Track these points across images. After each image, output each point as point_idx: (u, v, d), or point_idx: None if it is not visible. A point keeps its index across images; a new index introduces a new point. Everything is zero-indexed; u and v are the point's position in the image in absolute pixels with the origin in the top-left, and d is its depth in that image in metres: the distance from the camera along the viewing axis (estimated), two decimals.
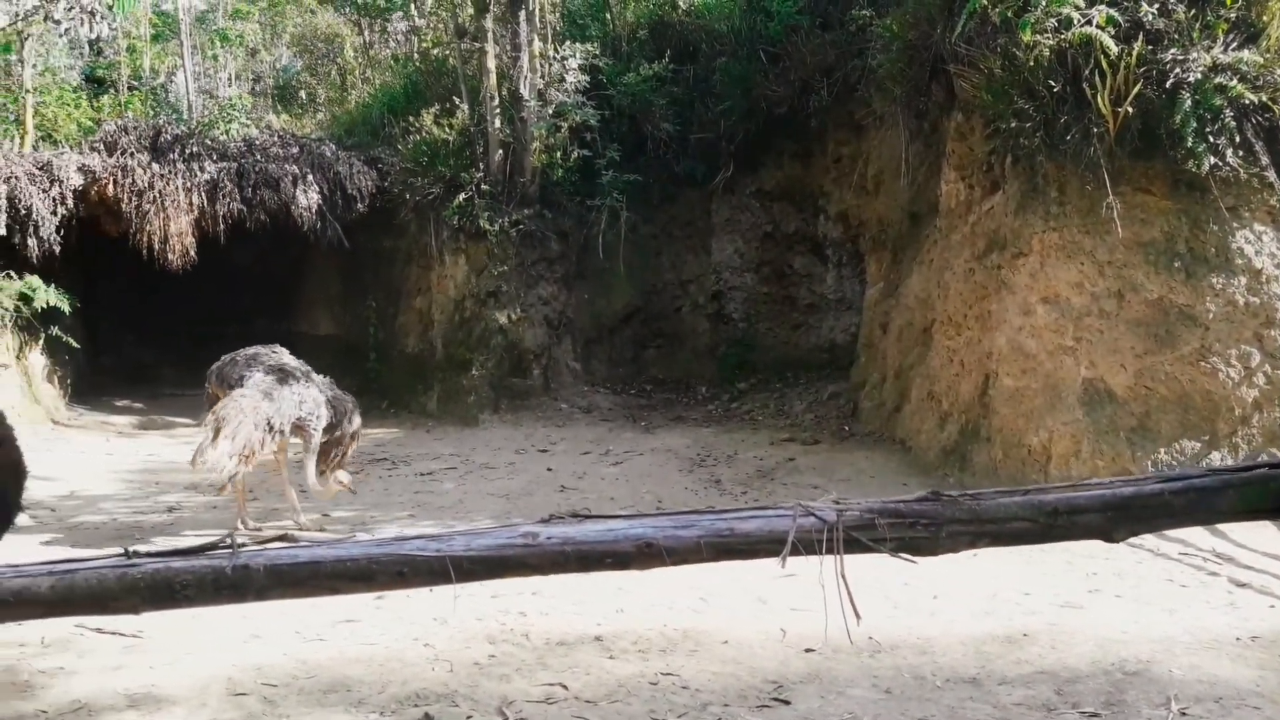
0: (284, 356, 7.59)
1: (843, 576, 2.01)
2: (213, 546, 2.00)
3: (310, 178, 13.50)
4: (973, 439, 8.36)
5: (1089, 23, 7.49)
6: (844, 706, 4.19)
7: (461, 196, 12.96)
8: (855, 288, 13.08)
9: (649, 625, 5.27)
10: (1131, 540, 6.52)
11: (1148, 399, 7.30)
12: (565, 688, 4.50)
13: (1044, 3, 7.57)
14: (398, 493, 8.88)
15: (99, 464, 10.28)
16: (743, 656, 4.82)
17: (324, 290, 16.09)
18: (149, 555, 2.00)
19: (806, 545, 1.97)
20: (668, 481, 8.95)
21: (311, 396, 7.22)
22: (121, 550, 2.22)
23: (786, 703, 4.26)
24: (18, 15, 14.99)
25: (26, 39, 15.87)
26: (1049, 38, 7.70)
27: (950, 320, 9.12)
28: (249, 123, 17.15)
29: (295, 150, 13.93)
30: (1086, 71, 7.54)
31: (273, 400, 6.99)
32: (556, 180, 13.27)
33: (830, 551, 1.97)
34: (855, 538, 1.98)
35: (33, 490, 8.95)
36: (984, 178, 8.90)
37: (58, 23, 14.22)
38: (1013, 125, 7.97)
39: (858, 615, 2.28)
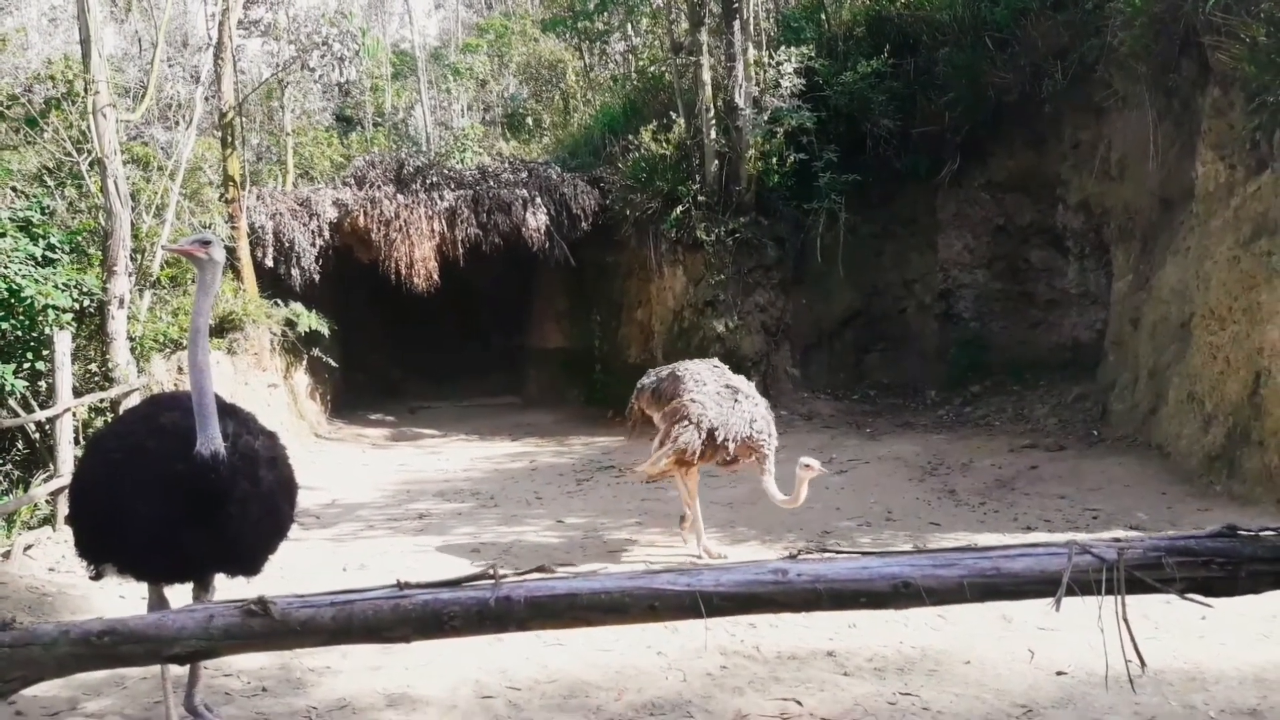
0: (728, 373, 7.23)
1: (1124, 620, 1.83)
2: (478, 577, 2.09)
3: (538, 200, 14.11)
4: (1242, 443, 7.58)
5: None
6: None
7: (679, 209, 13.14)
8: (1100, 281, 12.20)
9: (883, 642, 5.11)
10: None
11: None
12: (799, 704, 4.42)
13: None
14: (625, 500, 9.07)
15: (356, 474, 11.12)
16: (986, 678, 4.57)
17: (551, 306, 16.73)
18: (419, 587, 2.13)
19: (1083, 586, 1.81)
20: (897, 491, 8.66)
21: (761, 415, 6.85)
22: (395, 582, 2.38)
23: None
24: (278, 65, 16.54)
25: (286, 86, 17.52)
26: None
27: (1213, 314, 8.33)
28: (481, 150, 18.17)
29: (524, 175, 14.61)
30: None
31: (722, 414, 6.71)
32: (772, 186, 13.20)
33: (1110, 592, 1.79)
34: (1138, 578, 1.80)
35: (299, 499, 9.81)
36: (1248, 156, 8.08)
37: (313, 70, 15.56)
38: None
39: (1142, 663, 2.08)
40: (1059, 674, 4.54)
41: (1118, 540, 1.82)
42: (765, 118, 13.16)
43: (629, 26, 17.39)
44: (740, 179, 13.28)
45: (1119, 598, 1.79)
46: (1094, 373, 11.27)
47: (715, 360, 7.43)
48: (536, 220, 13.89)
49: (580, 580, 2.01)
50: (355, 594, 2.23)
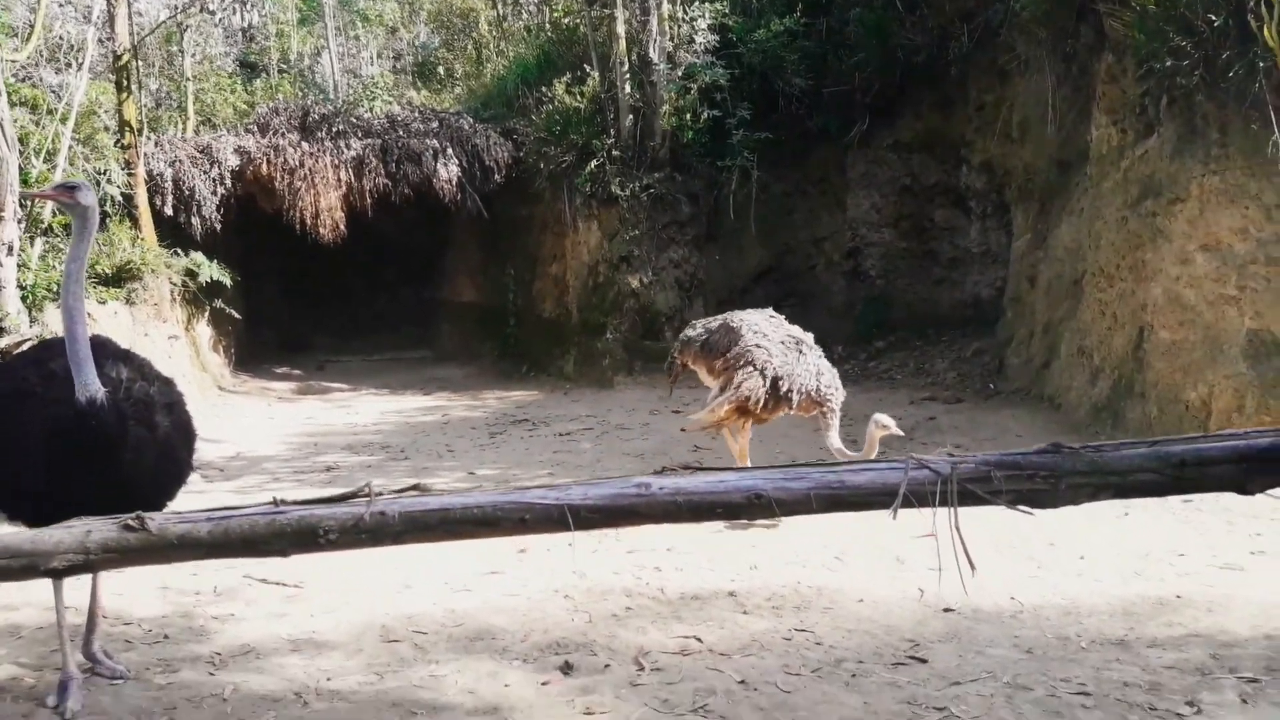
0: (785, 323, 6.85)
1: (957, 529, 1.98)
2: (352, 495, 2.14)
3: (450, 151, 13.92)
4: (1126, 395, 7.98)
5: None
6: (982, 665, 4.12)
7: (593, 163, 13.11)
8: (1001, 240, 12.59)
9: (783, 582, 5.29)
10: None
11: None
12: (700, 640, 4.57)
13: None
14: (538, 452, 9.13)
15: (262, 427, 10.95)
16: (878, 615, 4.78)
17: (465, 259, 16.60)
18: (295, 503, 2.17)
19: (919, 498, 1.95)
20: (803, 441, 8.88)
21: (827, 368, 6.57)
22: (271, 500, 2.40)
23: (923, 661, 4.22)
24: (177, 8, 15.89)
25: (186, 30, 16.83)
26: None
27: (1102, 271, 8.70)
28: (391, 100, 17.77)
29: (435, 125, 14.38)
30: (1251, 3, 7.00)
31: (788, 365, 6.44)
32: (686, 143, 13.25)
33: (944, 504, 1.93)
34: (970, 490, 1.94)
35: (202, 451, 9.59)
36: (1137, 121, 8.41)
37: (213, 13, 14.98)
38: (1168, 64, 7.50)
39: (972, 566, 2.26)
40: (946, 610, 4.77)
41: (951, 455, 1.96)
42: (679, 73, 13.18)
43: None
44: (655, 134, 13.29)
45: (953, 509, 1.93)
46: (993, 329, 11.68)
47: (770, 310, 7.06)
48: (448, 171, 13.71)
49: (453, 496, 2.09)
50: (232, 510, 2.28)
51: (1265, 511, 6.03)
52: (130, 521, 2.43)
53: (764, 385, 6.38)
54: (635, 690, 4.12)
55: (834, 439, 6.54)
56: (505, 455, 9.06)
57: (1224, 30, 7.22)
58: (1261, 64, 6.99)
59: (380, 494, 2.09)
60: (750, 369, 6.42)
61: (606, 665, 4.37)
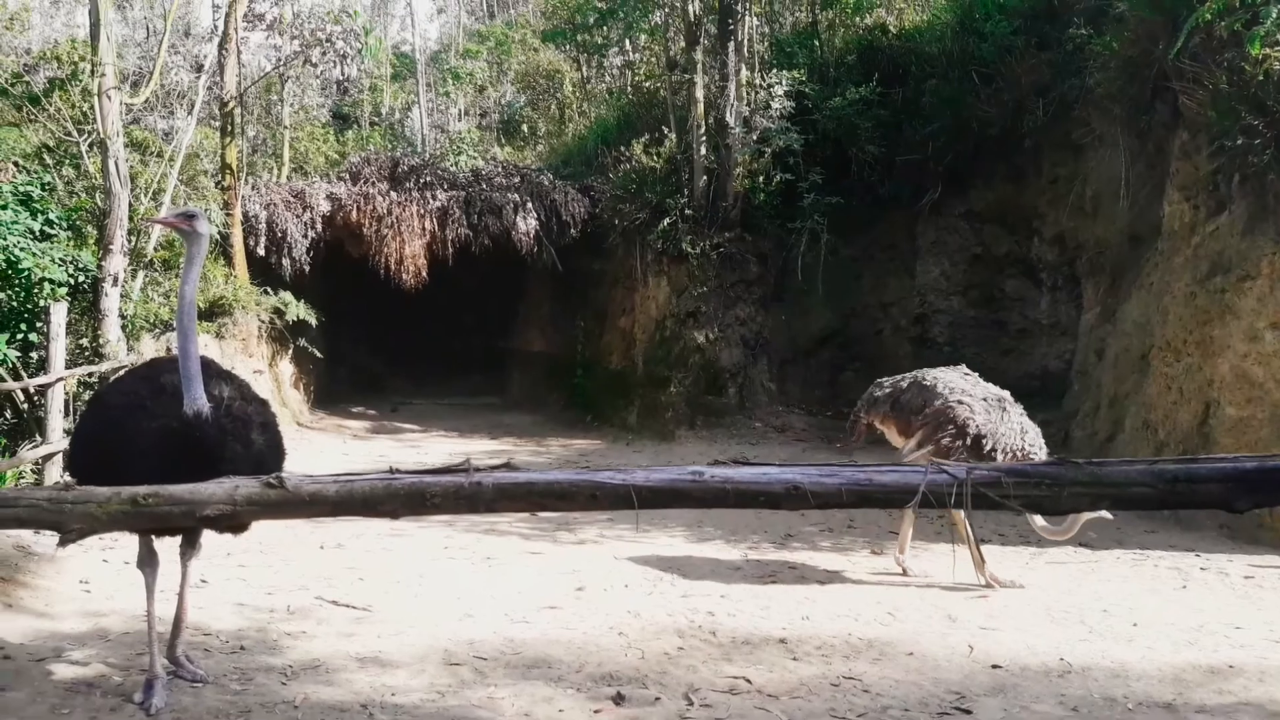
0: (982, 382, 6.69)
1: (969, 526, 2.18)
2: (455, 469, 2.42)
3: (529, 205, 14.42)
4: None
5: None
6: None
7: (666, 221, 13.46)
8: (1070, 313, 12.57)
9: (833, 633, 5.39)
10: None
11: None
12: (749, 682, 4.69)
13: (1275, 14, 7.17)
14: None
15: (337, 462, 11.34)
16: (926, 667, 4.85)
17: (537, 310, 17.03)
18: (407, 472, 2.48)
19: (938, 498, 2.13)
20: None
21: (1032, 426, 6.37)
22: (388, 468, 2.72)
23: (968, 712, 4.28)
24: (281, 59, 16.81)
25: (286, 81, 17.78)
26: None
27: (1169, 346, 8.69)
28: (476, 155, 18.47)
29: (516, 180, 14.92)
30: None
31: (991, 423, 6.26)
32: (758, 204, 13.55)
33: (959, 505, 2.11)
34: (983, 493, 2.12)
35: None
36: (1209, 198, 8.46)
37: (314, 65, 15.84)
38: (1240, 142, 7.58)
39: (983, 559, 2.39)
40: (994, 667, 4.82)
41: (968, 462, 2.14)
42: (754, 137, 13.52)
43: (627, 42, 17.76)
44: (727, 195, 13.61)
45: (967, 509, 2.10)
46: (1060, 401, 11.61)
47: (964, 368, 6.87)
48: (526, 224, 14.19)
49: (536, 473, 2.34)
50: (355, 475, 2.64)
51: None
52: (271, 480, 2.89)
53: (965, 443, 6.18)
54: None
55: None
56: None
57: None
58: None
59: (479, 468, 2.37)
60: (951, 427, 6.25)
61: (657, 699, 4.51)
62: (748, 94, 13.83)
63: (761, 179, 13.44)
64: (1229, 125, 7.66)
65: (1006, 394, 6.54)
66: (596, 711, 4.38)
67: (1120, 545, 7.21)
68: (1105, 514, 5.81)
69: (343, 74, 18.67)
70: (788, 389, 13.87)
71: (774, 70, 13.97)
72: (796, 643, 5.23)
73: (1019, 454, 6.23)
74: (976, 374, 6.77)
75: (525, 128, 21.18)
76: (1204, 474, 2.07)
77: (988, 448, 6.16)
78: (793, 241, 13.49)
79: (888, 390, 6.85)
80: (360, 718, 4.32)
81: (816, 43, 15.18)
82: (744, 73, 13.87)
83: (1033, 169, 12.76)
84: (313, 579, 6.47)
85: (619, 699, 4.51)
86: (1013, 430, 6.25)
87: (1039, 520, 6.15)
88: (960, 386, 6.50)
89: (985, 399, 6.39)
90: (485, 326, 18.11)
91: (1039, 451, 6.28)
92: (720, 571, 6.72)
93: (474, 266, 15.17)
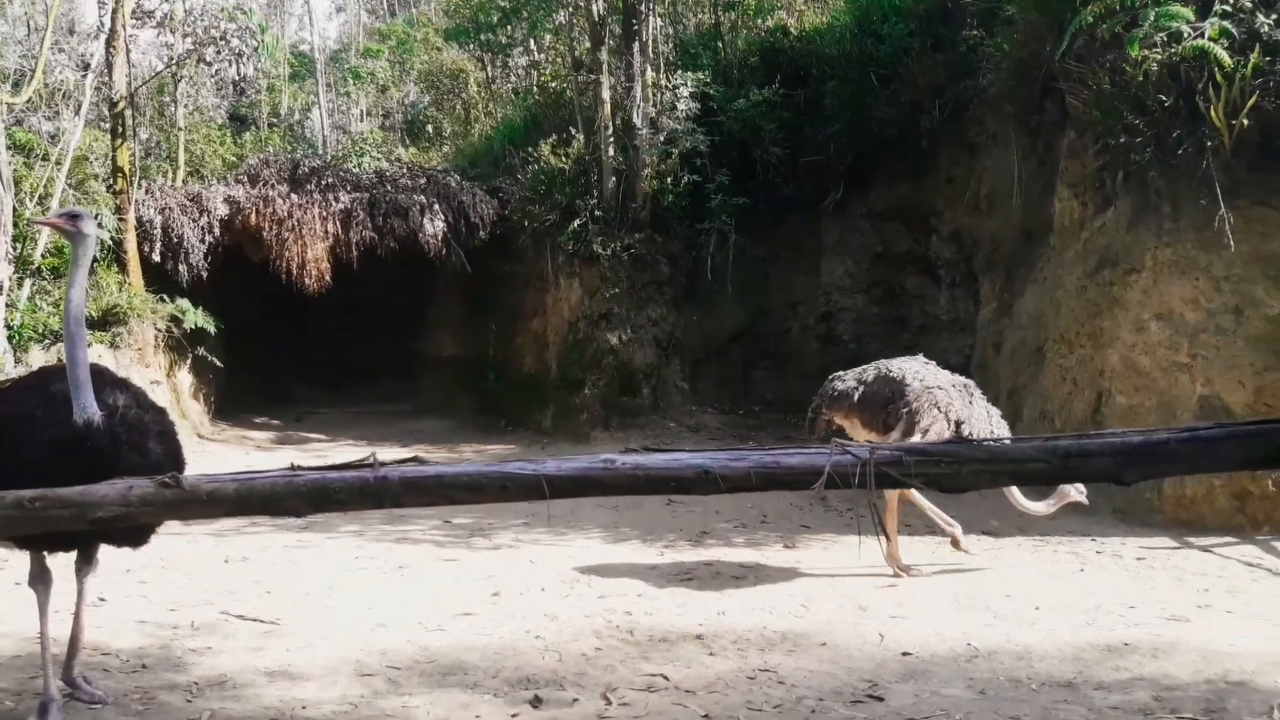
0: (943, 370, 6.73)
1: (874, 506, 2.26)
2: (360, 465, 2.37)
3: (436, 207, 14.23)
4: None
5: (1201, 35, 7.41)
6: (937, 704, 4.28)
7: (576, 223, 13.44)
8: (969, 308, 12.95)
9: (749, 627, 5.45)
10: (1249, 558, 6.40)
11: (1267, 416, 7.09)
12: (666, 678, 4.71)
13: (1153, 17, 7.51)
14: (514, 503, 9.20)
15: None
16: (839, 657, 4.94)
17: (447, 314, 16.82)
18: (310, 469, 2.41)
19: (842, 478, 2.18)
20: (774, 498, 9.02)
21: (996, 413, 6.43)
22: (289, 465, 2.63)
23: (880, 699, 4.38)
24: (172, 59, 16.25)
25: (180, 80, 17.18)
26: (1158, 52, 7.64)
27: (1063, 338, 9.03)
28: (379, 156, 18.15)
29: (422, 181, 14.71)
30: (1199, 85, 7.44)
31: (966, 409, 6.28)
32: (667, 205, 13.62)
33: (863, 485, 2.17)
34: (886, 472, 2.18)
35: None
36: (1096, 194, 8.82)
37: (209, 64, 15.35)
38: (1123, 141, 7.91)
39: (889, 537, 2.48)
40: (905, 654, 4.94)
41: (870, 443, 2.20)
42: (661, 138, 13.60)
43: (532, 41, 17.68)
44: (636, 196, 13.66)
45: (870, 489, 2.16)
46: None
47: (922, 357, 6.92)
48: (434, 226, 14.01)
49: (446, 465, 2.31)
50: (255, 473, 2.53)
51: (1212, 570, 6.30)
52: (166, 479, 2.81)
53: (949, 428, 6.17)
54: None
55: (1015, 490, 6.34)
56: (479, 506, 9.14)
57: (1174, 110, 7.65)
58: (1209, 142, 7.40)
59: (384, 463, 2.33)
60: (935, 411, 6.24)
61: (575, 700, 4.50)
62: (654, 95, 13.91)
63: (670, 180, 13.52)
64: (1112, 124, 7.99)
65: (971, 381, 6.65)
66: (514, 716, 4.35)
67: (1022, 532, 7.45)
68: (1082, 498, 6.23)
69: (239, 73, 18.12)
70: (701, 388, 13.98)
71: (679, 71, 14.07)
72: (713, 638, 5.28)
73: (989, 438, 6.26)
74: (934, 362, 6.84)
75: (430, 128, 20.89)
76: (1094, 449, 2.16)
77: (965, 432, 6.15)
78: (702, 242, 13.60)
79: (851, 384, 6.80)
80: None
81: (720, 44, 15.34)
82: (649, 73, 13.94)
83: (930, 168, 13.11)
84: (218, 594, 6.27)
85: (536, 702, 4.48)
86: (981, 415, 6.33)
87: (1023, 502, 6.34)
88: (928, 374, 6.56)
89: (954, 385, 6.46)
90: (395, 331, 17.79)
91: (1005, 433, 6.33)
92: (637, 571, 6.73)
93: (381, 270, 14.90)
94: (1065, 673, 4.62)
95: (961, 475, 2.16)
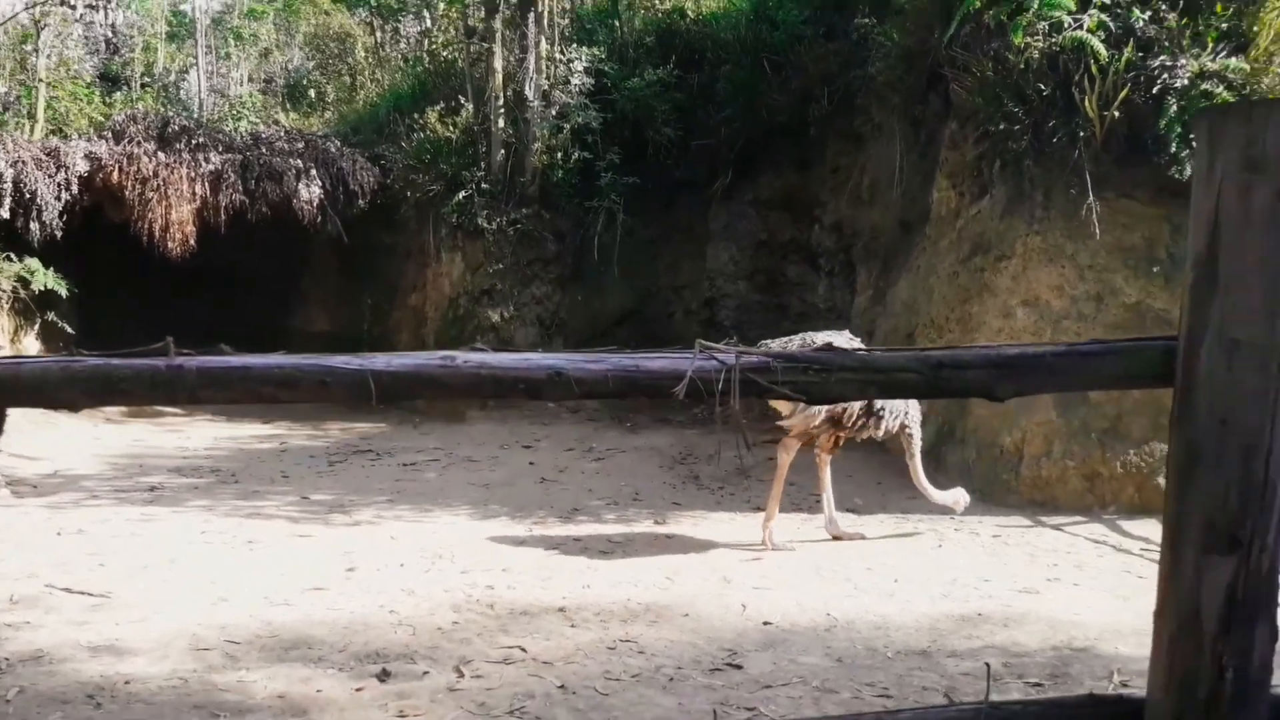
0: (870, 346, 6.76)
1: (739, 413, 2.13)
2: (152, 349, 2.12)
3: (313, 172, 13.64)
4: (948, 439, 8.39)
5: (1080, 27, 7.59)
6: (794, 671, 4.24)
7: (461, 194, 13.07)
8: (845, 297, 13.08)
9: (613, 599, 5.33)
10: (1095, 535, 6.57)
11: (1120, 401, 7.31)
12: (524, 650, 4.55)
13: (1036, 4, 7.65)
14: (378, 480, 8.91)
15: (85, 447, 10.42)
16: (701, 627, 4.87)
17: (321, 287, 16.19)
18: (91, 354, 2.14)
19: (706, 384, 2.05)
20: (647, 477, 8.98)
21: (914, 400, 6.41)
22: (67, 352, 2.32)
23: (739, 667, 4.31)
24: (35, 3, 15.18)
25: (43, 28, 16.07)
26: (1040, 41, 7.80)
27: (933, 323, 9.17)
28: (258, 121, 17.37)
29: (300, 145, 14.09)
30: (1076, 76, 7.61)
31: None
32: (556, 181, 13.37)
33: (727, 392, 2.05)
34: (752, 379, 2.06)
35: (17, 468, 9.00)
36: (973, 183, 8.97)
37: (73, 7, 14.37)
38: (1002, 128, 8.05)
39: (750, 446, 2.39)
40: (765, 624, 4.90)
41: (737, 347, 2.10)
42: (554, 112, 13.33)
43: (424, 8, 17.16)
44: (525, 170, 13.37)
45: (734, 395, 2.06)
46: None
47: (849, 333, 6.94)
48: (310, 192, 13.43)
49: (254, 357, 2.06)
50: (25, 358, 2.20)
51: (1063, 546, 6.48)
52: None
53: (869, 409, 6.27)
54: (453, 695, 4.08)
55: (918, 466, 6.62)
56: (343, 482, 8.81)
57: (1052, 99, 7.82)
58: (1082, 133, 7.59)
59: (183, 351, 2.07)
60: None
61: (426, 673, 4.31)
62: (548, 68, 13.64)
63: (560, 156, 13.27)
64: (993, 111, 8.12)
65: None
66: (358, 689, 4.13)
67: (884, 510, 7.55)
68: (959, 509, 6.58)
69: (107, 20, 17.06)
70: None
71: (574, 46, 13.82)
72: (575, 610, 5.14)
73: (903, 417, 6.50)
74: (859, 338, 6.90)
75: (312, 93, 20.11)
76: (969, 359, 2.09)
77: (877, 407, 6.29)
78: (590, 220, 13.39)
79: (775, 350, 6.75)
80: (85, 708, 3.90)
81: (616, 22, 15.14)
82: (544, 46, 13.66)
83: (817, 158, 13.18)
84: (45, 566, 5.84)
85: (384, 675, 4.28)
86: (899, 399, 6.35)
87: (919, 469, 6.57)
88: (856, 345, 6.47)
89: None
90: (263, 303, 16.98)
91: (916, 428, 6.59)
92: (504, 547, 6.54)
93: (252, 238, 14.20)
94: (920, 641, 4.64)
95: (830, 384, 2.05)
